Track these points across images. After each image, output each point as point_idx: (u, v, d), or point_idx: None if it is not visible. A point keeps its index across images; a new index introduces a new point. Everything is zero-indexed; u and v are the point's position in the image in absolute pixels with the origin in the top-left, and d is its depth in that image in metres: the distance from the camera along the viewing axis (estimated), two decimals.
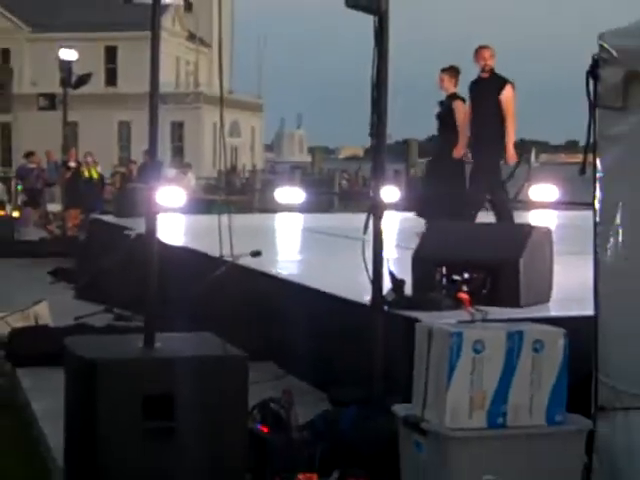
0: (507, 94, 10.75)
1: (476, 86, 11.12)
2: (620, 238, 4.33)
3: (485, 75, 10.99)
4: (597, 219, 4.37)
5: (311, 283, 7.77)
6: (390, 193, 13.59)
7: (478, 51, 11.00)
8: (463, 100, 11.51)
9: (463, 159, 11.47)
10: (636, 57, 4.02)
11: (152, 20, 5.46)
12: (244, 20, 78.37)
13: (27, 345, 8.21)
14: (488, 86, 10.89)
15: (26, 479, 5.53)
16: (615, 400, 4.30)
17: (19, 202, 25.48)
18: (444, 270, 6.65)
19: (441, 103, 12.02)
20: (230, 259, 6.06)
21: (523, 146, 14.11)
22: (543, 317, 5.43)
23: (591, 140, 4.27)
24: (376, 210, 6.27)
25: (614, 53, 4.10)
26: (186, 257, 9.89)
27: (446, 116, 11.59)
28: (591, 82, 4.25)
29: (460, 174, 11.47)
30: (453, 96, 11.62)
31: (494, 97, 10.75)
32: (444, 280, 6.62)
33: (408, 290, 6.57)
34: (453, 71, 11.77)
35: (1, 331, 8.79)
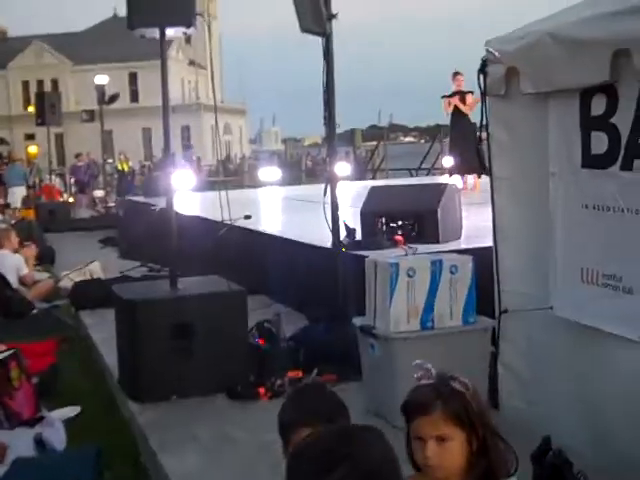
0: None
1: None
2: (508, 189, 4.32)
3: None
4: (493, 176, 4.36)
5: (288, 235, 7.75)
6: (342, 168, 13.49)
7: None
8: None
9: None
10: (513, 57, 3.98)
11: (161, 51, 5.38)
12: (230, 44, 77.39)
13: (86, 293, 8.19)
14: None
15: (90, 386, 5.51)
16: (511, 302, 4.29)
17: (73, 191, 25.20)
18: (383, 220, 6.65)
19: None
20: (229, 222, 6.03)
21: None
22: (456, 249, 5.43)
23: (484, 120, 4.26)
24: (332, 181, 6.26)
25: (497, 54, 4.06)
26: (197, 223, 9.81)
27: None
28: (481, 77, 4.22)
29: None
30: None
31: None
32: (384, 227, 6.63)
33: (358, 236, 6.59)
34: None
35: (66, 285, 8.77)
